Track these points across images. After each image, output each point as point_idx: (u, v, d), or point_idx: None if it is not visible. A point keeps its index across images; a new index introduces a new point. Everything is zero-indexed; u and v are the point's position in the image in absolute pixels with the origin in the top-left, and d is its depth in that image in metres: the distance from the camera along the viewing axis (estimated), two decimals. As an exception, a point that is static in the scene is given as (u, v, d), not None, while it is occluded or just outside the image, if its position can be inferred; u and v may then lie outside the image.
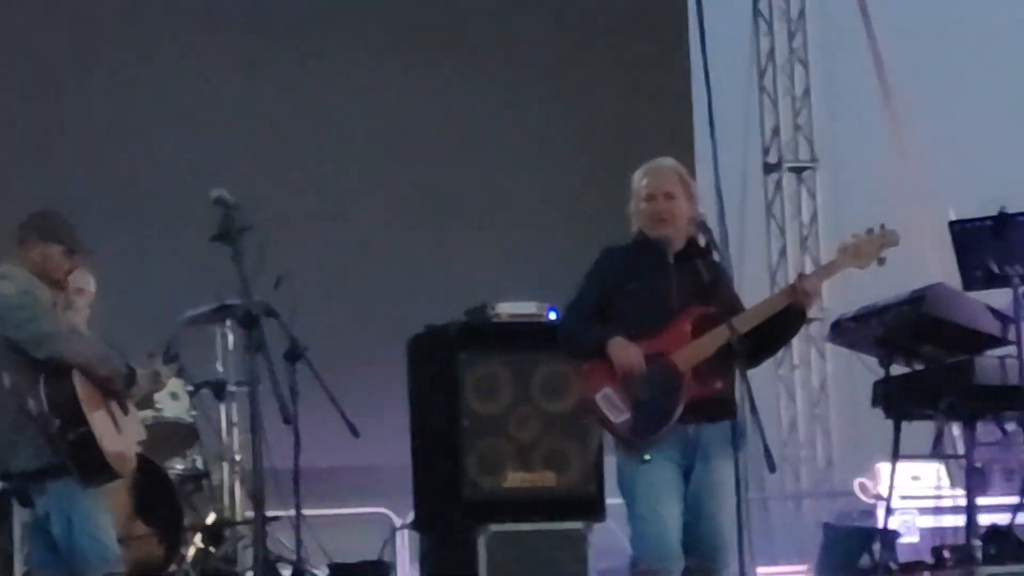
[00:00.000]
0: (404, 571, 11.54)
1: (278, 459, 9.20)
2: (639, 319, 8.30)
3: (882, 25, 16.35)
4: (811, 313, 8.92)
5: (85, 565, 8.54)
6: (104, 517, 8.59)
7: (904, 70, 16.56)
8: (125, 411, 8.78)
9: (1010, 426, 11.65)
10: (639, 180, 8.50)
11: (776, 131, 16.29)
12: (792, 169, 16.29)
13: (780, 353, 13.11)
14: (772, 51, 16.32)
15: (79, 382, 8.49)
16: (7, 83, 14.06)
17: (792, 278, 14.83)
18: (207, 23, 14.77)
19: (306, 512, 10.08)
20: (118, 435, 8.65)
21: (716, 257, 8.62)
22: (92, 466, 8.47)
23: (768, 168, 16.33)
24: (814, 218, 16.19)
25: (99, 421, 8.53)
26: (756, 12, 16.34)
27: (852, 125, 16.43)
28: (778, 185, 16.27)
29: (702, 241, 8.53)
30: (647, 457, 8.26)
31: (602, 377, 8.32)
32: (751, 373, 8.29)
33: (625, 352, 8.20)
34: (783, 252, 16.12)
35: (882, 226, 8.49)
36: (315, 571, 10.66)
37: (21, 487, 8.72)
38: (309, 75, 14.92)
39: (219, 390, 11.28)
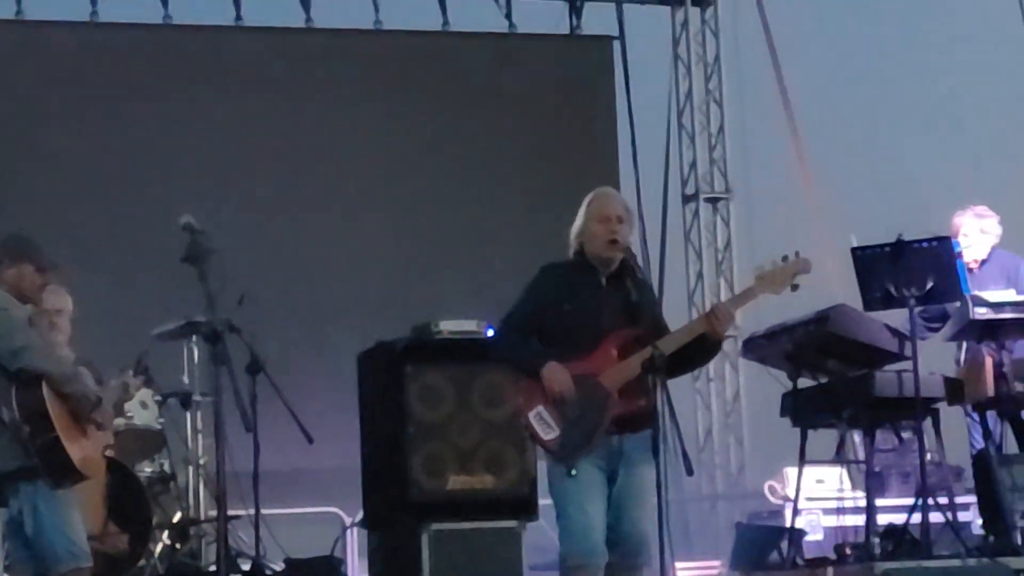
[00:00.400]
0: (354, 566, 11.53)
1: (239, 463, 9.34)
2: (572, 340, 8.34)
3: (789, 66, 16.37)
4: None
5: (55, 560, 8.54)
6: (73, 515, 8.58)
7: (809, 107, 16.58)
8: (99, 426, 8.79)
9: (906, 434, 11.78)
10: (595, 205, 8.53)
11: (693, 165, 16.31)
12: (708, 199, 16.30)
13: (697, 367, 13.11)
14: (690, 92, 16.34)
15: (48, 394, 8.46)
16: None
17: (709, 299, 15.13)
18: (176, 67, 14.91)
19: (264, 511, 10.11)
20: (86, 441, 8.63)
21: (642, 277, 8.79)
22: (60, 469, 8.47)
23: (686, 199, 16.33)
24: (728, 244, 16.20)
25: (66, 429, 8.49)
26: (676, 56, 16.34)
27: (762, 159, 16.46)
28: (695, 214, 16.27)
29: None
30: (574, 472, 8.38)
31: (535, 397, 8.37)
32: (670, 383, 8.48)
33: (557, 378, 8.25)
34: (700, 275, 16.15)
35: (796, 254, 8.51)
36: (272, 566, 10.61)
37: None
38: (267, 117, 14.98)
39: (185, 400, 11.28)
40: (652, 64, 16.30)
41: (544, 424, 8.35)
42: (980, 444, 11.58)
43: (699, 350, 8.63)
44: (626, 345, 8.36)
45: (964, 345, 11.56)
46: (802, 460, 11.61)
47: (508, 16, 15.91)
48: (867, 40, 18.11)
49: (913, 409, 10.95)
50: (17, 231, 9.02)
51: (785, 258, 8.53)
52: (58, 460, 8.45)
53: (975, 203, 12.04)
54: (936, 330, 11.55)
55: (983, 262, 11.87)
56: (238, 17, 15.26)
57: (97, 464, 8.86)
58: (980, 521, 11.78)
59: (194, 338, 11.04)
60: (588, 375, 8.31)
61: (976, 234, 11.85)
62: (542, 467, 9.32)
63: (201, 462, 11.17)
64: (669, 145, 16.28)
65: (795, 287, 8.55)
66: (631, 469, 8.41)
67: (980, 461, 11.54)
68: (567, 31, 16.15)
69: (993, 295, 11.31)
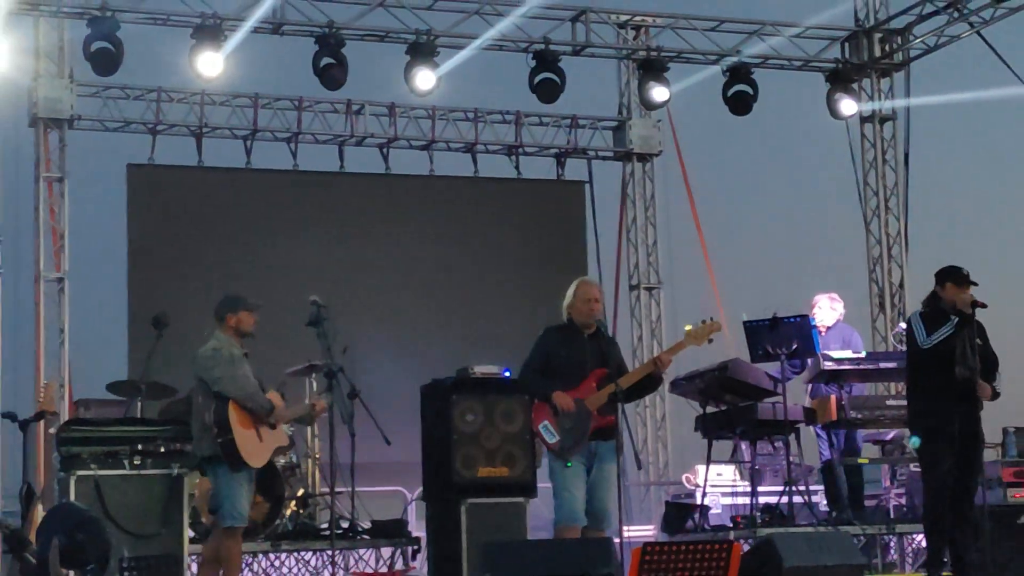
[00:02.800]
0: (413, 526, 11.39)
1: (341, 456, 9.33)
2: (567, 376, 8.52)
3: (700, 200, 16.38)
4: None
5: (222, 517, 8.61)
6: (240, 490, 8.56)
7: (713, 227, 16.63)
8: (272, 427, 8.82)
9: (777, 444, 11.75)
10: (581, 290, 8.70)
11: (636, 265, 16.16)
12: (646, 288, 16.12)
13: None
14: (635, 217, 16.20)
15: (232, 408, 8.56)
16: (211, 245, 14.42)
17: (647, 355, 15.13)
18: (302, 203, 15.08)
19: (357, 489, 10.35)
20: (259, 443, 8.66)
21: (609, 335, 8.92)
22: (233, 459, 8.52)
23: (631, 287, 16.18)
24: (659, 318, 16.04)
25: (242, 432, 8.55)
26: (624, 194, 16.20)
27: (683, 262, 16.36)
28: (638, 298, 16.12)
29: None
30: (569, 464, 8.50)
31: (542, 414, 8.58)
32: (625, 407, 8.60)
33: (564, 400, 8.45)
34: (640, 338, 15.99)
35: (711, 318, 8.71)
36: (363, 525, 10.65)
37: (200, 466, 8.77)
38: (357, 235, 15.08)
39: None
40: (609, 199, 16.28)
41: (549, 432, 8.52)
42: (826, 452, 11.65)
43: (647, 384, 8.79)
44: (601, 380, 8.50)
45: (809, 388, 11.69)
46: (708, 460, 11.69)
47: (516, 167, 15.99)
48: (753, 181, 18.34)
49: (782, 428, 11.07)
50: (228, 293, 9.11)
51: (704, 321, 8.68)
52: (232, 453, 8.51)
53: (822, 286, 12.26)
54: (797, 374, 11.66)
55: (829, 328, 12.02)
56: (341, 167, 15.38)
57: (262, 459, 8.73)
58: (825, 502, 11.87)
59: (313, 375, 11.03)
60: (578, 400, 8.45)
61: (827, 310, 12.01)
62: (543, 464, 9.37)
63: (316, 456, 11.10)
64: (619, 252, 16.19)
65: (711, 341, 8.69)
66: (602, 464, 8.58)
67: (827, 464, 11.63)
68: (554, 177, 16.15)
69: (836, 353, 11.44)
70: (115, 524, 8.56)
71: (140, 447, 8.96)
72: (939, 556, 9.11)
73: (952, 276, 9.13)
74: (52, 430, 9.43)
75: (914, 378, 9.41)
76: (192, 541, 9.30)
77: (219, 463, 8.57)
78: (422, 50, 13.76)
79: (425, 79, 13.77)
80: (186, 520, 9.07)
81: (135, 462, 8.91)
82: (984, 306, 8.98)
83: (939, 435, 9.05)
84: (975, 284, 9.08)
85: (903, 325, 14.17)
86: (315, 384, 11.05)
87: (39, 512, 8.56)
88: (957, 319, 8.97)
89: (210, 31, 13.11)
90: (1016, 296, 16.57)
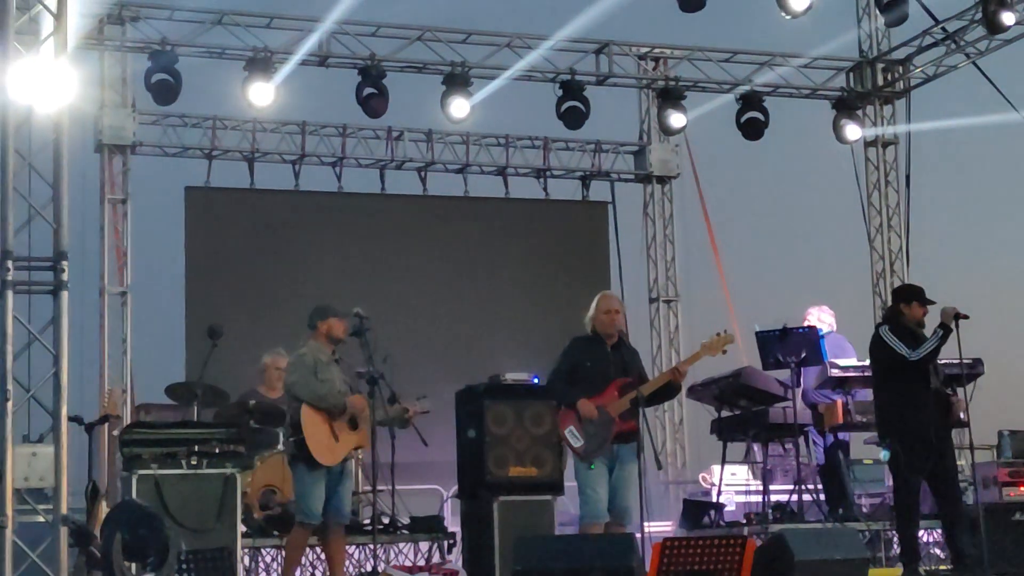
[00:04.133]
0: (449, 521, 11.30)
1: (383, 456, 9.23)
2: (591, 384, 8.51)
3: (715, 218, 16.38)
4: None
5: (295, 511, 8.75)
6: (314, 488, 8.55)
7: (728, 244, 16.68)
8: (354, 428, 8.75)
9: (788, 446, 11.72)
10: (602, 302, 8.69)
11: (656, 280, 16.10)
12: (665, 301, 16.04)
13: (660, 404, 12.97)
14: (654, 235, 16.12)
15: (306, 410, 8.56)
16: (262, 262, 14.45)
17: (666, 364, 15.08)
18: (347, 227, 15.05)
19: (397, 487, 10.26)
20: (335, 443, 8.62)
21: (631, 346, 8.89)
22: (306, 458, 8.54)
23: (651, 300, 16.12)
24: (677, 329, 15.97)
25: (315, 433, 8.52)
26: (645, 214, 16.17)
27: (699, 277, 16.36)
28: (657, 310, 16.05)
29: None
30: (592, 467, 8.47)
31: (568, 420, 8.56)
32: (646, 412, 8.56)
33: (588, 408, 8.42)
34: (659, 348, 15.92)
35: (725, 331, 8.69)
36: (402, 519, 10.61)
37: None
38: (397, 254, 15.05)
39: (352, 420, 11.14)
40: (631, 218, 16.24)
41: (574, 436, 8.49)
42: (821, 458, 11.56)
43: (667, 392, 8.75)
44: (623, 388, 8.48)
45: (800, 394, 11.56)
46: (723, 461, 11.68)
47: (544, 188, 15.97)
48: (765, 202, 18.30)
49: (793, 431, 11.02)
50: (320, 303, 9.09)
51: (719, 334, 8.65)
52: (304, 453, 8.53)
53: (829, 299, 12.18)
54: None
55: (822, 337, 11.91)
56: (382, 189, 15.38)
57: (335, 458, 8.65)
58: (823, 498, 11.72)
59: (358, 380, 10.88)
60: (601, 407, 8.42)
61: (816, 321, 11.89)
62: (568, 464, 9.37)
63: (359, 456, 10.83)
64: (642, 268, 16.15)
65: (724, 351, 8.67)
66: (623, 465, 8.56)
67: (822, 468, 11.54)
68: (580, 198, 16.12)
69: (842, 361, 11.38)
70: (173, 520, 8.55)
71: (196, 448, 8.97)
72: (916, 553, 9.12)
73: (918, 295, 9.23)
74: (115, 432, 9.45)
75: (889, 388, 9.32)
76: (244, 536, 9.31)
77: (296, 462, 8.61)
78: (457, 80, 13.85)
79: (460, 107, 13.87)
80: (239, 516, 9.06)
81: (192, 462, 8.91)
82: (966, 317, 8.97)
83: (918, 442, 9.02)
84: (932, 303, 9.14)
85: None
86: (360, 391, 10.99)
87: (103, 509, 8.59)
88: (942, 332, 8.97)
89: (261, 63, 13.24)
90: (1009, 307, 16.49)
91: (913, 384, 9.06)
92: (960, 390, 9.54)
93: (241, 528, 9.19)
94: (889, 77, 15.49)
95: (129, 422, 11.87)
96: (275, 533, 9.82)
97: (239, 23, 13.40)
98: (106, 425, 10.32)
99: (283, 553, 9.40)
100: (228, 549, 8.55)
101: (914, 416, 9.10)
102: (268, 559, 10.17)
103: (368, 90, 13.51)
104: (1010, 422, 10.99)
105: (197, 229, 14.41)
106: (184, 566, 8.13)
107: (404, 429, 9.35)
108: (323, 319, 8.80)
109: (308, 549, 10.01)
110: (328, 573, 9.13)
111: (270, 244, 14.66)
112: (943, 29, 14.59)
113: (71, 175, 7.53)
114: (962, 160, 17.80)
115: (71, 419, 8.90)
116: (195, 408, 10.73)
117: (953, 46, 14.65)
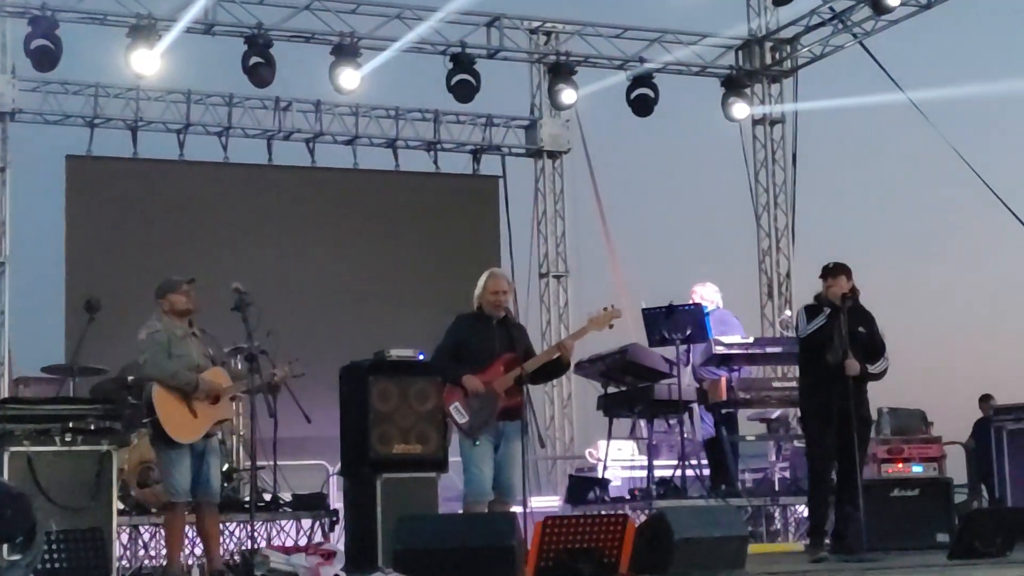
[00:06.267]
0: (334, 499, 11.17)
1: (264, 432, 9.02)
2: (477, 360, 8.40)
3: (606, 193, 16.46)
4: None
5: (163, 490, 8.50)
6: (177, 466, 8.27)
7: (617, 219, 16.75)
8: (216, 402, 8.47)
9: (673, 422, 11.66)
10: (491, 282, 8.55)
11: (546, 255, 16.14)
12: (555, 276, 16.09)
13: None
14: (544, 210, 16.16)
15: (159, 389, 8.28)
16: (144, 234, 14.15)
17: (555, 340, 15.04)
18: (232, 198, 14.83)
19: (279, 463, 10.05)
20: (193, 419, 8.33)
21: (516, 322, 8.81)
22: (162, 438, 8.28)
23: (541, 275, 16.16)
24: (566, 304, 16.02)
25: (170, 411, 8.26)
26: (536, 188, 16.16)
27: (588, 252, 16.43)
28: (547, 285, 16.11)
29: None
30: (477, 443, 8.38)
31: (453, 396, 8.44)
32: (532, 388, 8.47)
33: (474, 382, 8.32)
34: (548, 323, 15.98)
35: (612, 305, 8.60)
36: (284, 497, 10.41)
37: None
38: (283, 227, 14.87)
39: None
40: (522, 193, 16.26)
41: (459, 413, 8.39)
42: (710, 432, 11.60)
43: (555, 369, 8.67)
44: (508, 364, 8.40)
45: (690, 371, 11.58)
46: (609, 436, 11.72)
47: (435, 162, 15.87)
48: (654, 178, 18.36)
49: (677, 407, 11.02)
50: (163, 279, 8.73)
51: (605, 308, 8.58)
52: (159, 433, 8.30)
53: (716, 275, 12.21)
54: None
55: (707, 314, 11.93)
56: (269, 160, 15.18)
57: (194, 434, 8.36)
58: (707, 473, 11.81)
59: (238, 356, 10.56)
60: (486, 382, 8.33)
61: (701, 299, 11.83)
62: (453, 440, 9.23)
63: (241, 433, 10.84)
64: (532, 242, 16.16)
65: (611, 327, 8.60)
66: (508, 442, 8.45)
67: (708, 442, 11.59)
68: (471, 172, 16.05)
69: (726, 338, 11.41)
70: (47, 499, 8.30)
71: (71, 424, 8.69)
72: (821, 527, 9.15)
73: (826, 272, 9.19)
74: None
75: (799, 364, 9.48)
76: (121, 513, 9.08)
77: (155, 442, 8.39)
78: (346, 51, 13.67)
79: (349, 78, 13.69)
80: (115, 494, 8.81)
81: (66, 439, 8.65)
82: (850, 296, 9.01)
83: (818, 416, 9.10)
84: (846, 276, 9.07)
85: (788, 313, 14.33)
86: (239, 365, 10.47)
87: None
88: (828, 311, 9.02)
89: (145, 31, 12.96)
90: (893, 285, 16.69)
91: (810, 359, 9.15)
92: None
93: (118, 506, 8.94)
94: (777, 56, 15.59)
95: (5, 396, 11.55)
96: (153, 511, 9.58)
97: (121, -12, 13.10)
98: (-19, 399, 10.01)
99: (162, 532, 9.17)
100: (100, 529, 8.31)
101: (810, 393, 9.22)
102: (147, 537, 9.93)
103: (254, 59, 13.28)
104: (891, 400, 11.13)
105: (78, 199, 14.09)
106: (55, 547, 7.89)
107: (277, 394, 9.10)
108: (162, 297, 8.53)
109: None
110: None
111: (153, 215, 14.39)
112: (831, 9, 14.73)
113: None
114: (848, 139, 18.01)
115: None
116: (71, 383, 10.48)
117: (840, 26, 14.79)
